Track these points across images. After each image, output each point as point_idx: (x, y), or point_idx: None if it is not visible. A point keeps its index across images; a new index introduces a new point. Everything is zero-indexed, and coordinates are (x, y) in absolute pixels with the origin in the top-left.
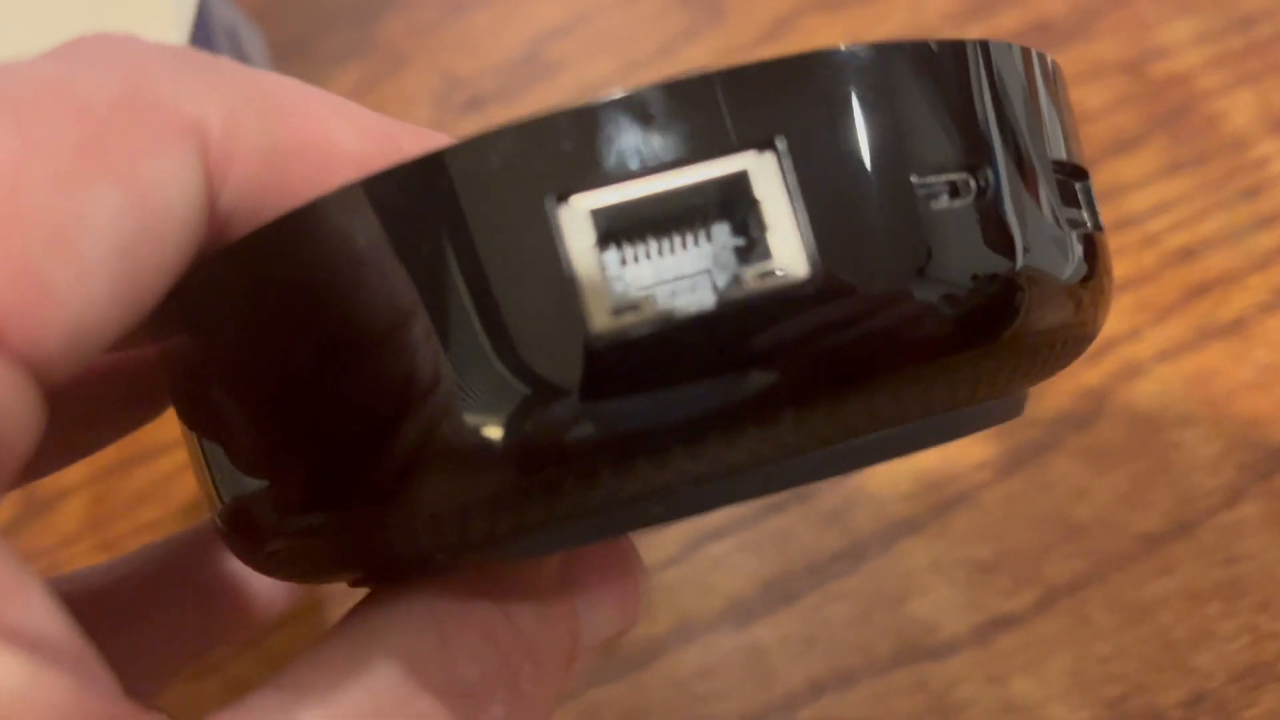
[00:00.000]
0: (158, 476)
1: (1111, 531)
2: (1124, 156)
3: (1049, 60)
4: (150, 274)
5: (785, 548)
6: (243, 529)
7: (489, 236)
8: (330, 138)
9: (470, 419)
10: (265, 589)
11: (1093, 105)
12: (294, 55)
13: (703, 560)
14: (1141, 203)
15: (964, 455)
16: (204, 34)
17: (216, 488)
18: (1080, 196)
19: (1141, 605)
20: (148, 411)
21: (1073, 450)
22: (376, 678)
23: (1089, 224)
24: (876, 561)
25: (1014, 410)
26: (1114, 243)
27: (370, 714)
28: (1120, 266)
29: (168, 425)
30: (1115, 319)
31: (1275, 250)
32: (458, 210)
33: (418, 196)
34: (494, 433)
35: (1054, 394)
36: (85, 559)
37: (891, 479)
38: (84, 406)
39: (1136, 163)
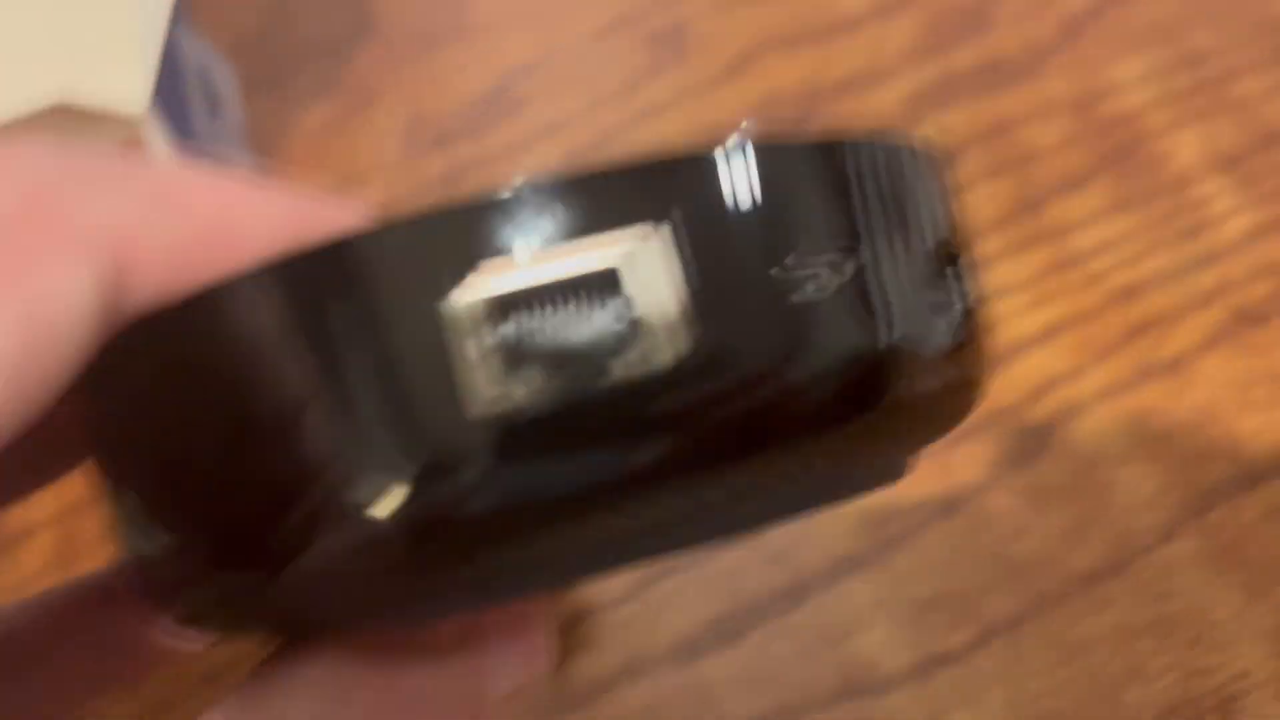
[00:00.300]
0: None
1: (1049, 569)
2: (1071, 195)
3: (925, 146)
4: (36, 388)
5: (732, 586)
6: (148, 583)
7: (377, 322)
8: (237, 227)
9: (359, 494)
10: (164, 636)
11: (1042, 144)
12: (265, 92)
13: (652, 598)
14: (1086, 241)
15: (907, 494)
16: (173, 73)
17: (125, 540)
18: (953, 276)
19: (1076, 642)
20: (75, 459)
21: (1014, 489)
22: None
23: (961, 302)
24: (820, 599)
25: (895, 474)
26: (1058, 281)
27: None
28: (1064, 306)
29: None
30: (1058, 358)
31: (1214, 290)
32: (348, 295)
33: (310, 282)
34: (383, 508)
35: (997, 434)
36: None
37: (836, 517)
38: (13, 454)
39: (1083, 201)
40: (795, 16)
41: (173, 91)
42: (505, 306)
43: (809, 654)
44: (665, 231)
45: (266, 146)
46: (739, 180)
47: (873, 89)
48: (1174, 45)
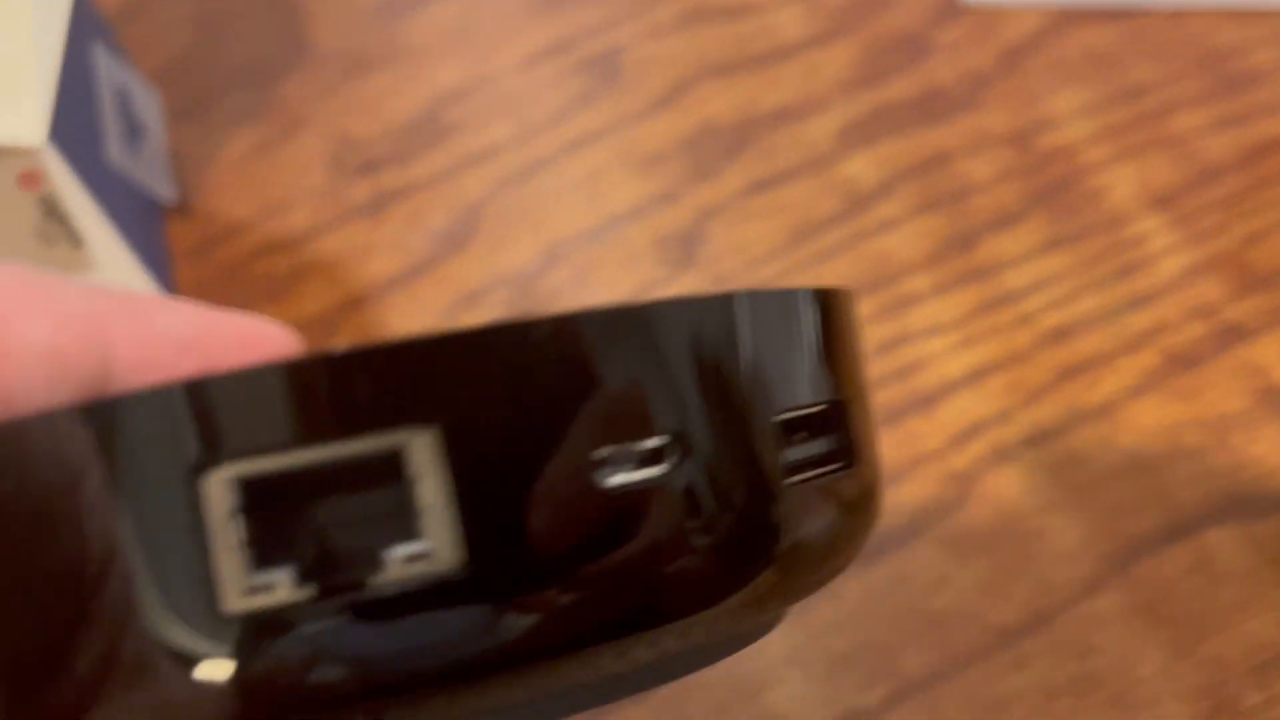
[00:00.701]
0: None
1: (968, 624)
2: (1004, 232)
3: (801, 295)
4: None
5: None
6: None
7: (130, 498)
8: (14, 329)
9: (129, 664)
10: None
11: (977, 178)
12: (190, 118)
13: None
14: (1019, 280)
15: None
16: (83, 99)
17: None
18: (811, 443)
19: (994, 700)
20: None
21: (935, 538)
22: None
23: (821, 467)
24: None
25: (769, 627)
26: (990, 321)
27: None
28: (994, 347)
29: None
30: (986, 402)
31: (1146, 332)
32: (103, 467)
33: (63, 448)
34: (141, 695)
35: (921, 480)
36: None
37: None
38: None
39: (1016, 239)
40: (731, 43)
41: (83, 118)
42: (268, 487)
43: (722, 709)
44: (452, 416)
45: (190, 173)
46: (536, 363)
47: (807, 118)
48: (1114, 77)
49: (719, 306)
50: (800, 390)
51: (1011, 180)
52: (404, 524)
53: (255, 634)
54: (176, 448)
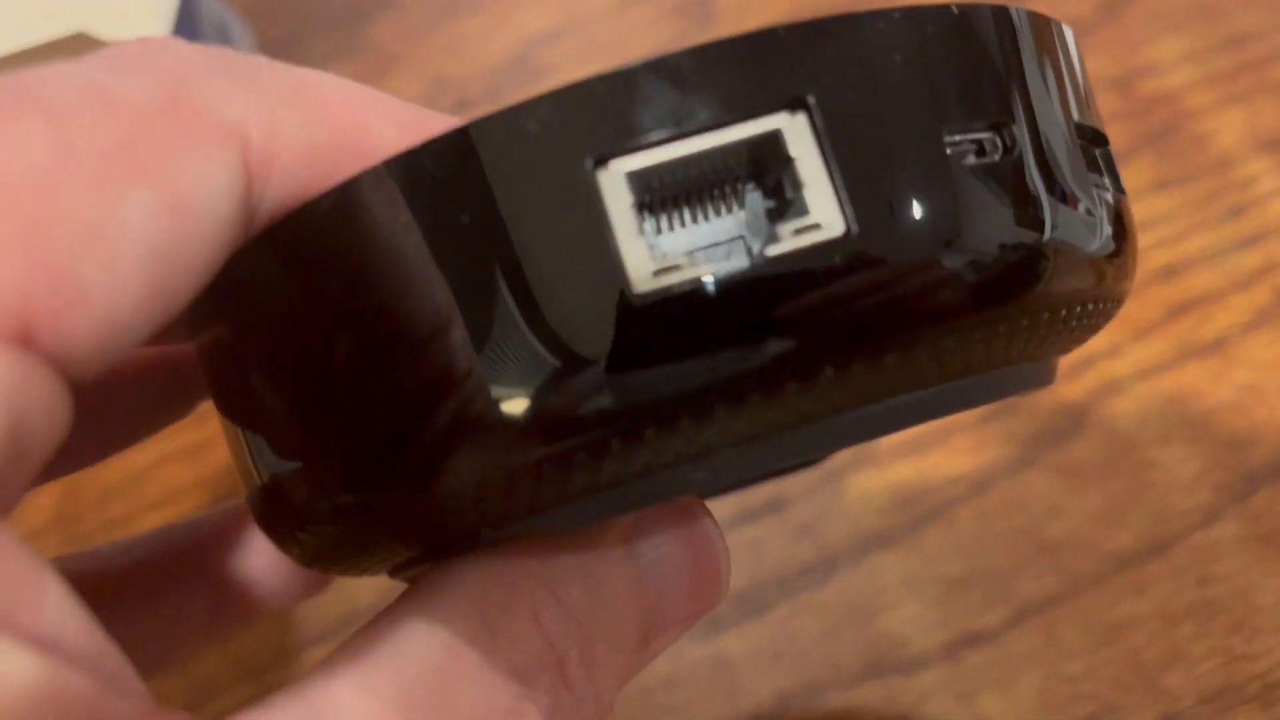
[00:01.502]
0: (129, 472)
1: (1085, 550)
2: None
3: (1063, 27)
4: (183, 276)
5: (756, 559)
6: (278, 509)
7: (526, 204)
8: (370, 132)
9: (510, 389)
10: (278, 578)
11: None
12: (284, 54)
13: None
14: None
15: (939, 471)
16: (190, 28)
17: (255, 470)
18: (1100, 161)
19: (1113, 625)
20: (181, 406)
21: (1049, 467)
22: (417, 665)
23: (1111, 189)
24: (848, 575)
25: (1046, 378)
26: None
27: (411, 706)
28: None
29: None
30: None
31: (1258, 270)
32: (494, 180)
33: (452, 169)
34: (544, 399)
35: (1033, 410)
36: (53, 553)
37: (865, 493)
38: (117, 402)
39: (1123, 180)
40: None
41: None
42: (659, 178)
43: (834, 631)
44: (823, 96)
45: None
46: (896, 45)
47: None
48: (1214, 27)
49: (1045, 21)
50: (1086, 110)
51: (1115, 124)
52: (785, 202)
53: (664, 313)
54: (572, 146)
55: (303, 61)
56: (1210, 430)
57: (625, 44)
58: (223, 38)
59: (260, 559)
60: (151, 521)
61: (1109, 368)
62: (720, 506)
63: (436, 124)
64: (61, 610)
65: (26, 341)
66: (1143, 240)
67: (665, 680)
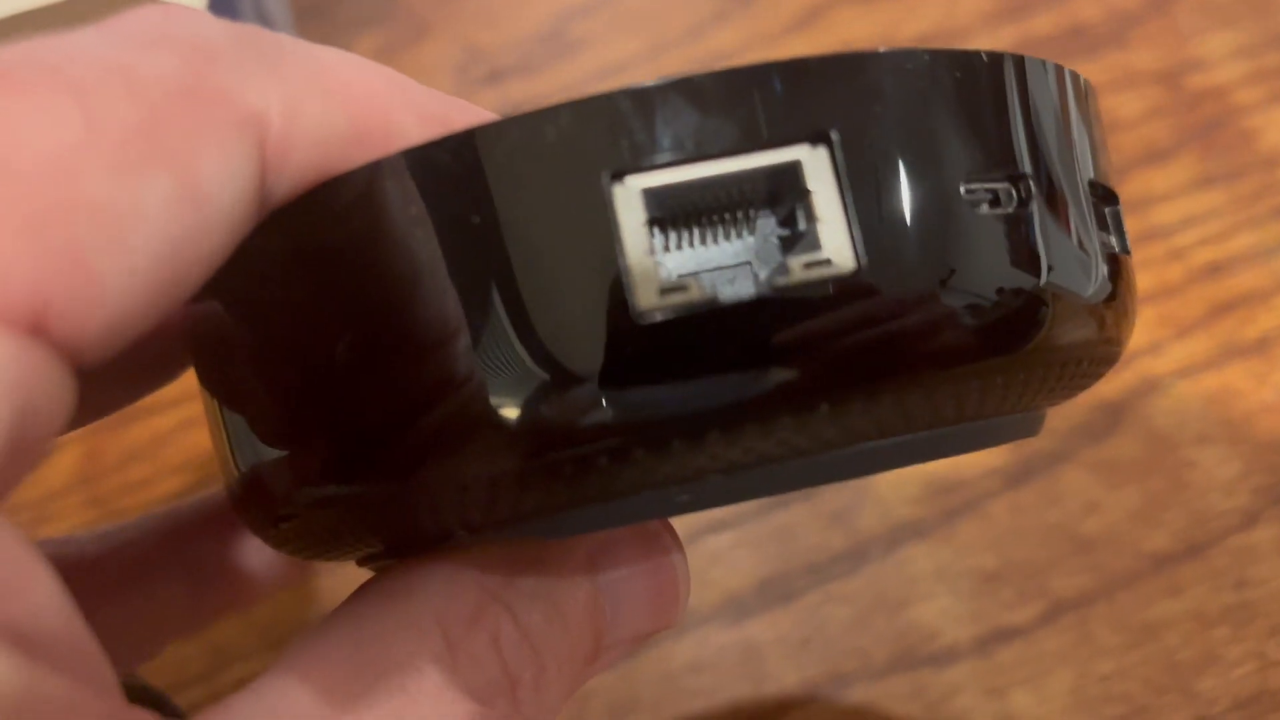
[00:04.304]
0: (151, 435)
1: (1121, 548)
2: (1154, 168)
3: (1083, 81)
4: (195, 265)
5: (786, 546)
6: (258, 498)
7: (538, 211)
8: (391, 121)
9: (505, 395)
10: (261, 567)
11: (1125, 115)
12: (316, 18)
13: (702, 553)
14: (1170, 215)
15: (974, 463)
16: None
17: (234, 455)
18: (1109, 219)
19: (1147, 625)
20: (168, 373)
21: (1086, 463)
22: (377, 676)
23: (1116, 247)
24: (879, 565)
25: (1033, 427)
26: (1140, 255)
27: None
28: (1145, 279)
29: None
30: (1136, 332)
31: None
32: (508, 184)
33: (468, 168)
34: (538, 408)
35: (1070, 405)
36: (73, 514)
37: (899, 482)
38: (106, 369)
39: (1167, 175)
40: None
41: (226, 10)
42: (674, 199)
43: (864, 621)
44: (846, 132)
45: None
46: (922, 87)
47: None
48: (1264, 23)
49: (1069, 74)
50: (1100, 167)
51: (1161, 118)
52: (798, 234)
53: (667, 333)
54: (590, 158)
55: (334, 27)
56: (1251, 432)
57: (660, 19)
58: (257, 0)
59: (241, 546)
60: (171, 485)
61: (1149, 365)
62: None
63: (460, 117)
64: (47, 604)
65: (37, 330)
66: (1186, 237)
67: (691, 664)
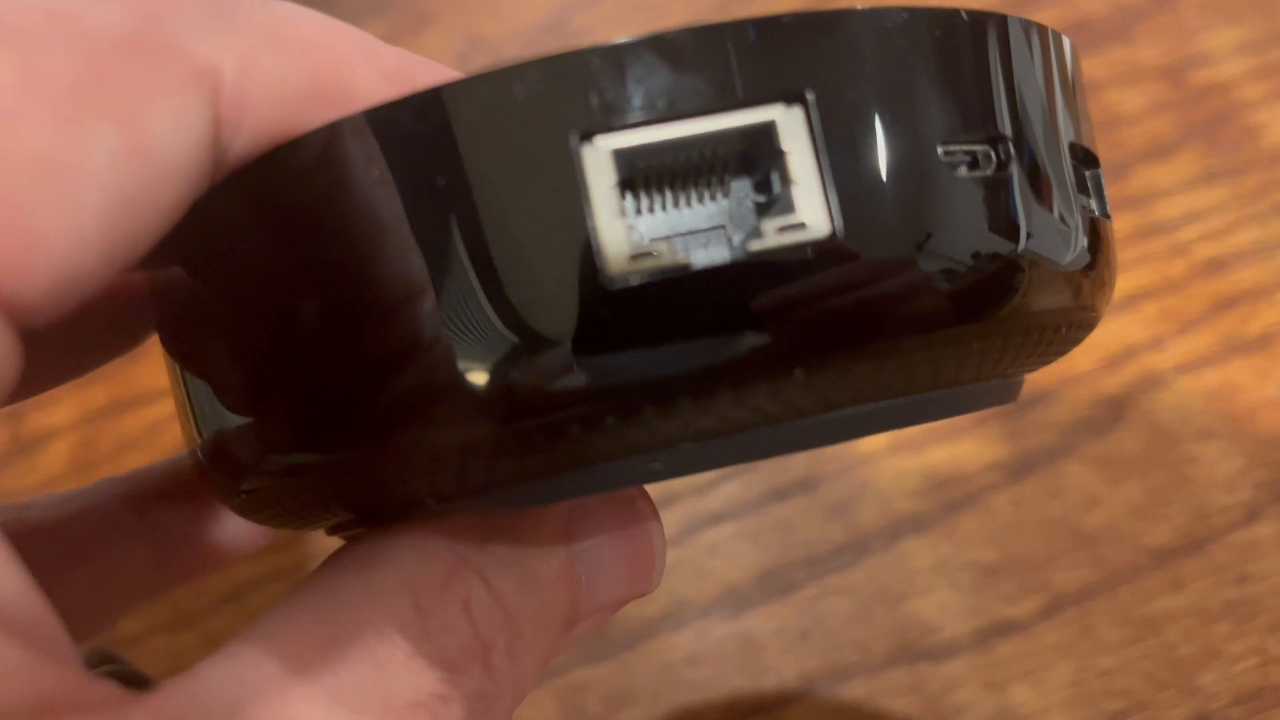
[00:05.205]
0: (147, 423)
1: (1122, 543)
2: (1158, 163)
3: (1066, 42)
4: (145, 223)
5: (785, 538)
6: (223, 465)
7: (505, 173)
8: (351, 79)
9: (473, 361)
10: (226, 533)
11: (1129, 109)
12: (316, 6)
13: (700, 544)
14: (1172, 210)
15: (975, 456)
16: None
17: (198, 422)
18: (1090, 183)
19: (1148, 620)
20: (131, 338)
21: (1087, 458)
22: (348, 643)
23: (1096, 210)
24: (878, 558)
25: (1011, 394)
26: (1142, 250)
27: (341, 687)
28: (1147, 274)
29: (160, 371)
30: (1139, 327)
31: None
32: (474, 144)
33: (433, 128)
34: (506, 374)
35: (1072, 400)
36: None
37: (899, 475)
38: (63, 333)
39: (1170, 170)
40: None
41: None
42: (645, 160)
43: (863, 614)
44: (822, 92)
45: None
46: (901, 46)
47: None
48: (1269, 19)
49: (1052, 34)
50: (1081, 129)
51: (1165, 113)
52: (772, 197)
53: (636, 298)
54: (559, 117)
55: (337, 13)
56: (1253, 427)
57: (662, 10)
58: None
59: (206, 512)
60: None
61: (1151, 360)
62: (749, 485)
63: (424, 74)
64: (2, 571)
65: None
66: (1189, 233)
67: (689, 656)
